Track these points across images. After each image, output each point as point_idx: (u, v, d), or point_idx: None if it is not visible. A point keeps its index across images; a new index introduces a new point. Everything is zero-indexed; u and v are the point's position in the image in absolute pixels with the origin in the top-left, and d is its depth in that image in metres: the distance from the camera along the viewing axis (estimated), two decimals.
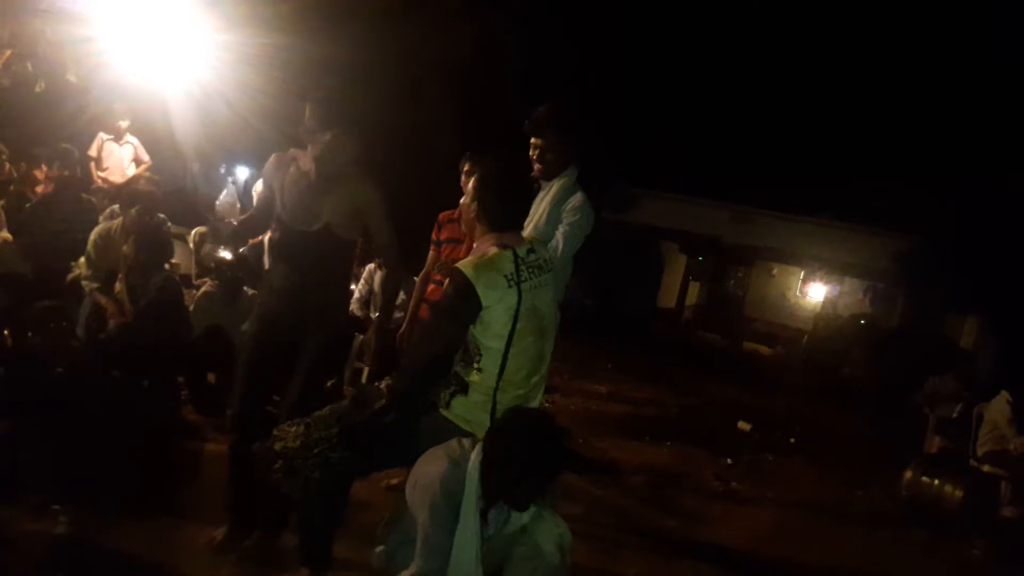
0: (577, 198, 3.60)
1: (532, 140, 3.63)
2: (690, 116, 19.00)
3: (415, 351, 2.84)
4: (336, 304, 3.65)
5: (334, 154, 3.34)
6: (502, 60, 13.56)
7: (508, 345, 2.77)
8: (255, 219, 3.84)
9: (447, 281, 2.83)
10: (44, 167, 6.78)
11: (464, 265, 2.76)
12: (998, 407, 6.33)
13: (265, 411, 3.55)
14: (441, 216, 4.66)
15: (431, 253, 4.69)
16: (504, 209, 2.87)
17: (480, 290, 2.70)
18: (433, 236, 4.68)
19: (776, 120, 19.25)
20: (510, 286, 2.74)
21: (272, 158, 3.50)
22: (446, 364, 2.82)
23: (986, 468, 6.19)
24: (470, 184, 2.94)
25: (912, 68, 18.67)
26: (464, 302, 2.72)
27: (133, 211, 5.31)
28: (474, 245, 2.93)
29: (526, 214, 3.03)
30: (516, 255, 2.79)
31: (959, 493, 6.15)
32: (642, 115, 18.34)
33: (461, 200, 3.06)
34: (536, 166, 3.63)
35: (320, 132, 3.32)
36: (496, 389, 2.80)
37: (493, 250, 2.79)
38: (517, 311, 2.73)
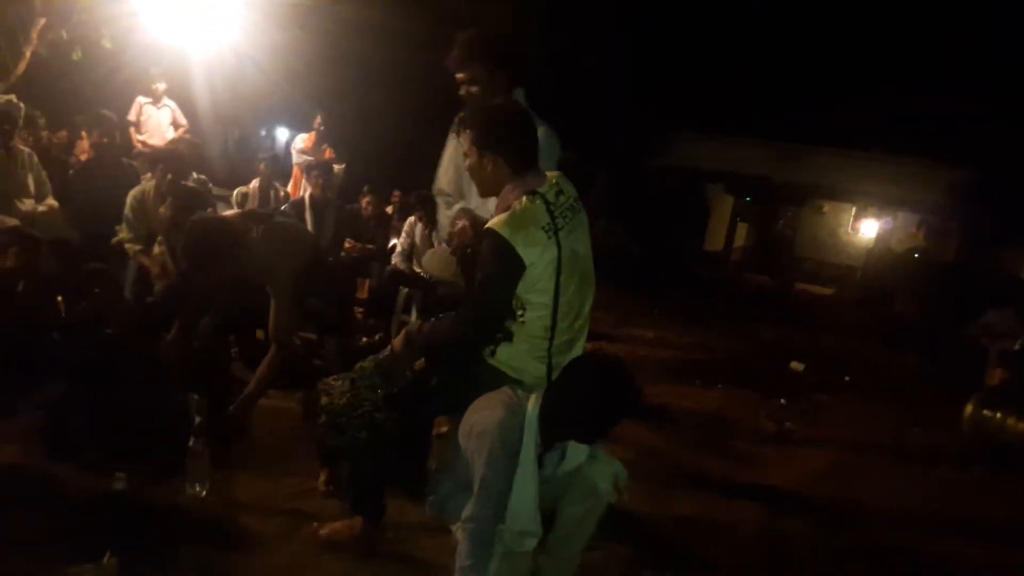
0: (543, 133, 3.12)
1: (457, 76, 3.27)
2: (730, 54, 18.48)
3: (462, 318, 2.71)
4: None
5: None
6: (532, 9, 13.26)
7: (556, 298, 2.70)
8: None
9: (484, 243, 2.66)
10: (84, 134, 6.84)
11: (498, 224, 2.60)
12: None
13: None
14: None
15: None
16: (518, 146, 2.69)
17: (520, 250, 2.57)
18: None
19: (819, 52, 18.61)
20: (549, 238, 2.60)
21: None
22: (496, 328, 2.73)
23: None
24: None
25: None
26: (507, 265, 2.59)
27: (169, 176, 5.33)
28: (498, 198, 2.77)
29: (538, 149, 2.75)
30: (547, 201, 2.64)
31: (1023, 426, 6.00)
32: (681, 57, 17.89)
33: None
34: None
35: None
36: (549, 338, 2.74)
37: (523, 201, 2.63)
38: (559, 262, 2.63)
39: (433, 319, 2.81)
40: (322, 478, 3.62)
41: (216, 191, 6.93)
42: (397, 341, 2.86)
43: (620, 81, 16.04)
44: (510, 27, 12.95)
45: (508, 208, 2.66)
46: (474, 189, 2.97)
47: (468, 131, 2.74)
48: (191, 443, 3.48)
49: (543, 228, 2.60)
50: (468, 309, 2.69)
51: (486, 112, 2.77)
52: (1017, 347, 7.23)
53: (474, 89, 3.19)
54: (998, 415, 6.14)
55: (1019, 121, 15.17)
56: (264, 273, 3.66)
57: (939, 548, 4.30)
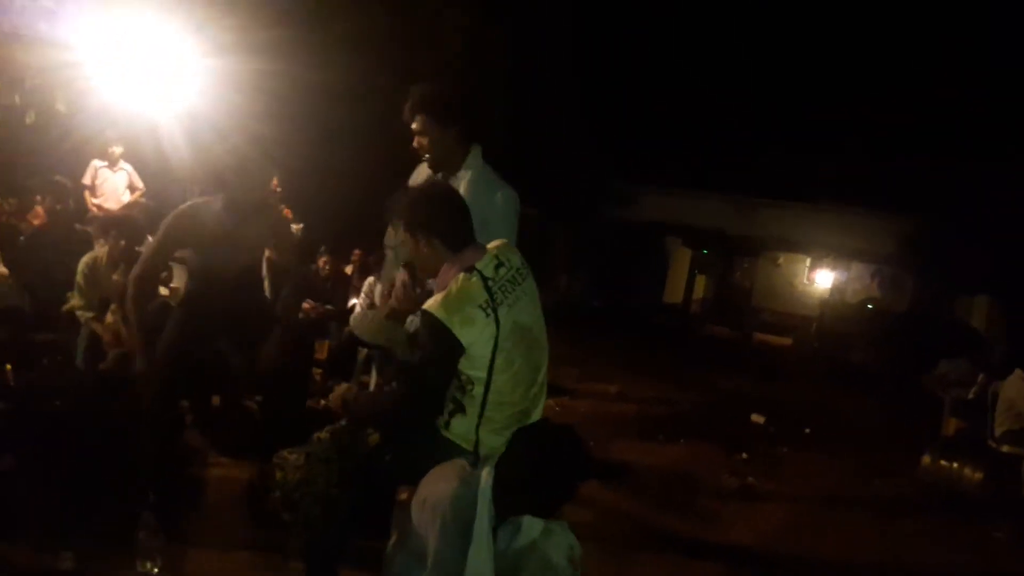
0: (500, 197, 3.12)
1: (413, 125, 3.19)
2: (687, 110, 18.91)
3: (401, 395, 2.72)
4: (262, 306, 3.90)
5: (247, 197, 3.51)
6: (494, 65, 13.51)
7: (490, 374, 2.66)
8: (146, 282, 3.89)
9: (422, 323, 2.62)
10: (39, 199, 6.77)
11: (433, 307, 2.58)
12: (1014, 385, 6.26)
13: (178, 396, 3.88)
14: None
15: None
16: (448, 225, 2.69)
17: (457, 331, 2.55)
18: None
19: (774, 109, 19.14)
20: (488, 316, 2.58)
21: (172, 216, 3.57)
22: (433, 405, 2.71)
23: (1005, 448, 6.12)
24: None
25: (908, 48, 18.54)
26: (443, 346, 2.57)
27: (115, 240, 5.28)
28: (436, 280, 2.75)
29: (470, 224, 2.73)
30: (484, 277, 2.62)
31: (979, 475, 6.09)
32: (639, 111, 18.27)
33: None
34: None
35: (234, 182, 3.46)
36: (482, 416, 2.72)
37: (459, 280, 2.61)
38: (497, 339, 2.62)
39: (366, 389, 2.80)
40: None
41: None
42: (334, 399, 2.84)
43: (580, 136, 16.30)
44: (473, 84, 13.23)
45: (445, 288, 2.65)
46: None
47: (398, 219, 2.77)
48: (142, 517, 3.38)
49: (480, 307, 2.57)
50: (405, 386, 2.69)
51: (410, 197, 2.80)
52: (970, 396, 7.37)
53: (424, 141, 3.16)
54: (954, 465, 6.25)
55: (967, 172, 15.64)
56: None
57: None
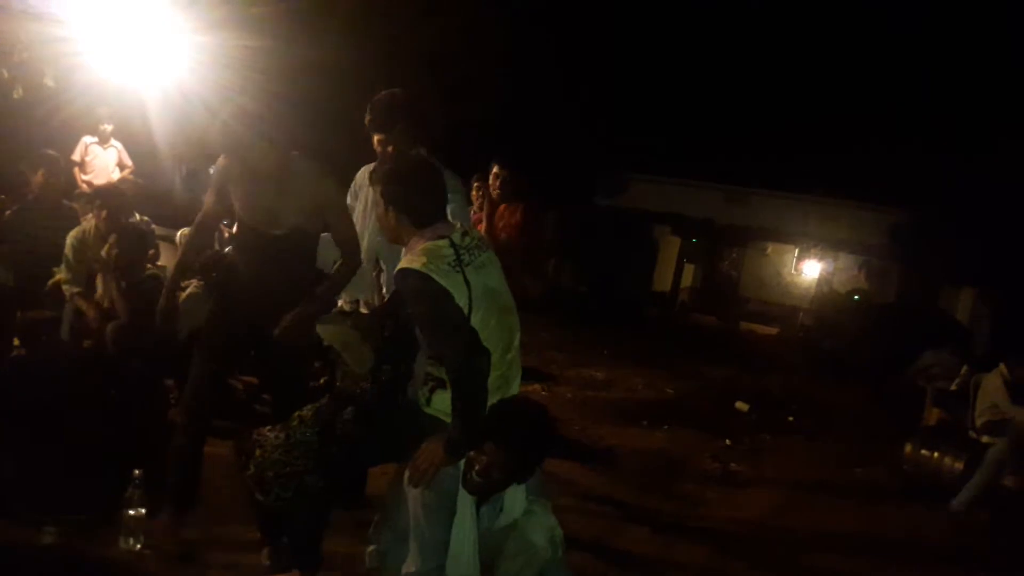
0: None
1: (376, 137, 3.47)
2: (678, 97, 18.92)
3: (451, 364, 2.62)
4: (308, 285, 3.60)
5: (282, 155, 3.33)
6: (485, 51, 13.46)
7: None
8: (206, 224, 3.76)
9: (406, 285, 2.65)
10: (31, 171, 6.71)
11: (410, 262, 2.63)
12: (995, 379, 6.32)
13: (219, 395, 3.64)
14: None
15: None
16: (424, 201, 2.75)
17: (438, 278, 2.57)
18: None
19: (765, 98, 19.17)
20: (457, 272, 2.62)
21: (223, 158, 3.46)
22: (481, 348, 2.63)
23: (985, 439, 6.18)
24: (378, 192, 2.81)
25: (896, 40, 18.59)
26: (434, 295, 2.57)
27: (104, 212, 5.24)
28: (403, 252, 2.79)
29: (445, 203, 2.84)
30: (452, 242, 2.68)
31: (959, 465, 6.15)
32: (630, 99, 18.26)
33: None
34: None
35: (256, 139, 3.29)
36: None
37: (427, 243, 2.67)
38: (470, 298, 2.64)
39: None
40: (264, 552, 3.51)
41: (160, 231, 6.81)
42: (435, 457, 2.65)
43: (570, 123, 16.29)
44: (467, 65, 13.19)
45: None
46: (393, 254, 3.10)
47: (378, 188, 2.83)
48: (126, 493, 3.39)
49: (449, 263, 2.62)
50: (451, 364, 2.61)
51: (392, 170, 2.86)
52: (953, 388, 7.44)
53: (389, 149, 3.41)
54: (935, 454, 6.31)
55: (955, 165, 15.72)
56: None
57: None
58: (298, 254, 3.46)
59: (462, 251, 2.67)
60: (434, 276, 2.57)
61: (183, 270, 3.95)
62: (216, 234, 8.15)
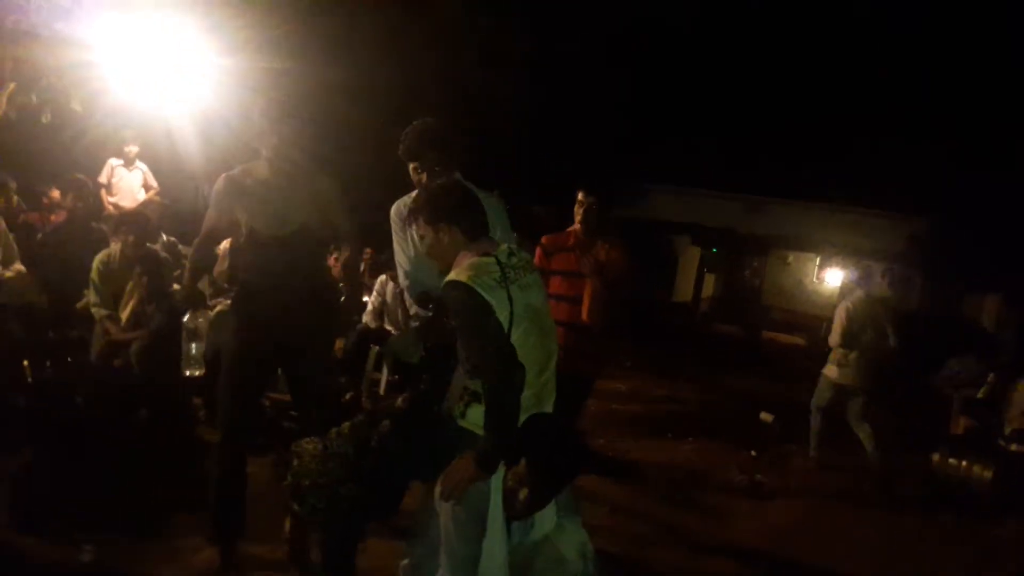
0: (494, 201, 3.43)
1: (410, 165, 3.47)
2: (697, 108, 18.93)
3: (491, 388, 2.63)
4: (323, 288, 3.78)
5: (288, 153, 3.48)
6: (505, 68, 13.54)
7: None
8: (206, 244, 3.87)
9: (450, 297, 2.68)
10: (56, 194, 6.84)
11: (457, 275, 2.68)
12: (1023, 387, 6.27)
13: (256, 418, 3.66)
14: (546, 240, 4.52)
15: None
16: (471, 217, 2.80)
17: (483, 292, 2.61)
18: (536, 262, 4.23)
19: (785, 107, 19.13)
20: (501, 288, 2.66)
21: (222, 179, 3.53)
22: (516, 363, 2.65)
23: (1014, 447, 6.13)
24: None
25: (917, 48, 18.51)
26: (477, 308, 2.61)
27: (132, 238, 5.33)
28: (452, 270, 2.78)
29: (487, 221, 2.88)
30: (498, 260, 2.72)
31: (988, 474, 6.09)
32: (649, 110, 18.29)
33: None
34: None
35: (271, 133, 3.44)
36: None
37: (474, 258, 2.73)
38: (512, 314, 2.68)
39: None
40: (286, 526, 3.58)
41: (185, 250, 6.92)
42: (466, 471, 2.70)
43: (591, 135, 16.34)
44: (488, 83, 13.26)
45: None
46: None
47: (420, 215, 2.85)
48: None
49: (495, 279, 2.66)
50: (486, 376, 2.65)
51: (431, 191, 2.91)
52: (980, 395, 7.37)
53: (423, 176, 3.41)
54: (963, 463, 6.24)
55: (977, 172, 15.63)
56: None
57: None
58: (308, 251, 3.60)
59: (508, 269, 2.72)
60: (479, 289, 2.61)
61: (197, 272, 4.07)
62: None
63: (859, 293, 6.84)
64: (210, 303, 6.61)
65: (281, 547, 3.59)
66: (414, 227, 2.94)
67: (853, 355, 6.60)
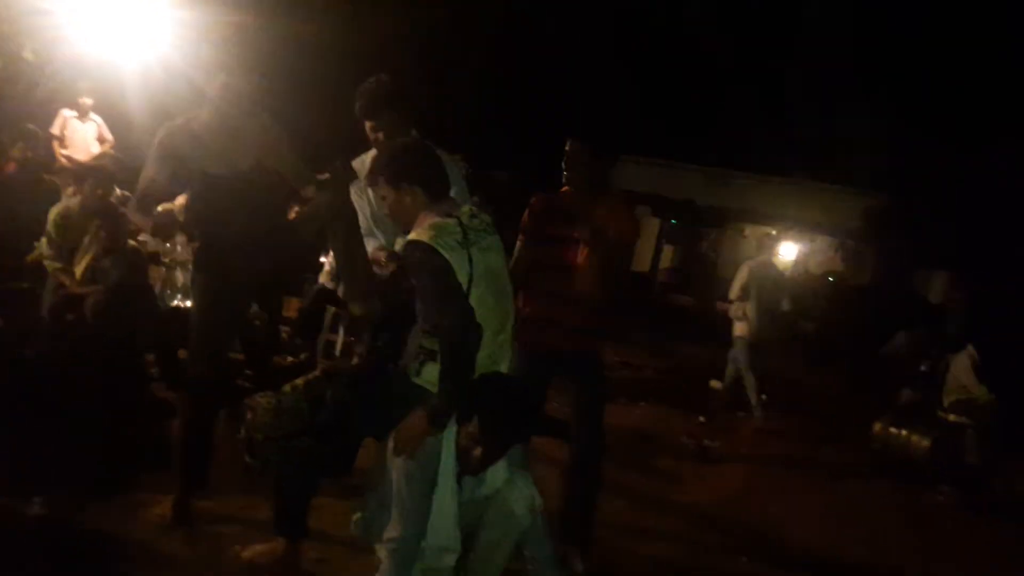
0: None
1: (367, 124, 3.37)
2: (659, 78, 18.96)
3: (443, 335, 2.67)
4: (283, 230, 3.75)
5: (234, 98, 3.44)
6: (471, 28, 13.43)
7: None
8: (145, 205, 3.72)
9: (411, 256, 2.71)
10: (10, 145, 6.68)
11: (418, 235, 2.70)
12: (963, 360, 6.48)
13: (223, 371, 3.63)
14: (536, 201, 3.90)
15: (519, 246, 3.82)
16: (434, 178, 2.82)
17: (443, 252, 2.64)
18: (525, 223, 3.86)
19: (747, 81, 19.25)
20: (462, 249, 2.69)
21: (164, 130, 3.47)
22: (475, 322, 2.65)
23: (952, 418, 6.35)
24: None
25: (878, 24, 18.71)
26: (437, 268, 2.64)
27: (90, 189, 5.24)
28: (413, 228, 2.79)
29: (448, 179, 2.89)
30: (460, 221, 2.75)
31: (926, 443, 6.31)
32: (612, 80, 18.27)
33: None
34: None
35: (215, 76, 3.42)
36: None
37: (436, 219, 2.74)
38: (471, 275, 2.71)
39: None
40: None
41: None
42: (418, 427, 2.71)
43: (551, 102, 16.30)
44: (451, 46, 13.15)
45: None
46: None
47: (381, 175, 2.85)
48: None
49: (456, 240, 2.69)
50: (444, 335, 2.68)
51: (392, 151, 2.91)
52: (924, 368, 7.60)
53: (380, 135, 3.36)
54: (903, 432, 6.46)
55: (931, 149, 15.89)
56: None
57: (846, 559, 4.50)
58: (263, 193, 3.57)
59: (469, 231, 2.74)
60: (439, 249, 2.64)
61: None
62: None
63: (761, 257, 7.91)
64: (164, 260, 6.55)
65: (233, 500, 3.61)
66: (374, 188, 2.93)
67: (750, 310, 7.39)
